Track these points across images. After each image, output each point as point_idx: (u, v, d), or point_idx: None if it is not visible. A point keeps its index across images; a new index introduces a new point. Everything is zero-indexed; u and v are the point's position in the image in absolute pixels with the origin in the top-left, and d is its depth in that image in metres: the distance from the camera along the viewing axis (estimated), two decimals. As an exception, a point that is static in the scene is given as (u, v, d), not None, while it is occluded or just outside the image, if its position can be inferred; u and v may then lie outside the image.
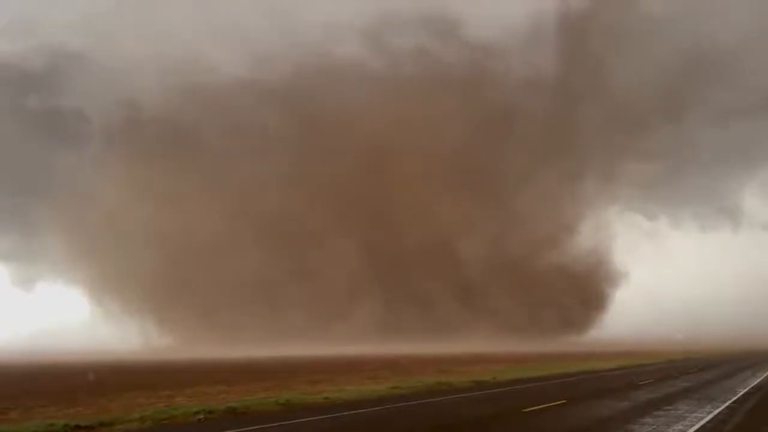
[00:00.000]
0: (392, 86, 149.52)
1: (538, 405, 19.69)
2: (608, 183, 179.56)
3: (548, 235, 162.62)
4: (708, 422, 15.76)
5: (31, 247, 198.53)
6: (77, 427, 16.08)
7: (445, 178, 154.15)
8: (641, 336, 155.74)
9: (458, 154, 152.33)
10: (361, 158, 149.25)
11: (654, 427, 15.04)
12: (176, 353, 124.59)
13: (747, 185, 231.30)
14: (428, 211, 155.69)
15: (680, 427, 15.03)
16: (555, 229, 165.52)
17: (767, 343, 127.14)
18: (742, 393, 23.47)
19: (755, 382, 29.25)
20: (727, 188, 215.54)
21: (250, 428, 15.80)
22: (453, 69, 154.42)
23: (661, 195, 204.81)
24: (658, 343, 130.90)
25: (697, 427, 15.01)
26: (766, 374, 35.64)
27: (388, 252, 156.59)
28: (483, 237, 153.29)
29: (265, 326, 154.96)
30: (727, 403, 19.81)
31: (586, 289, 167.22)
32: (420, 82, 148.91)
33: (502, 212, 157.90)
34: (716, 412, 17.75)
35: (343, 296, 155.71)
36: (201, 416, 18.22)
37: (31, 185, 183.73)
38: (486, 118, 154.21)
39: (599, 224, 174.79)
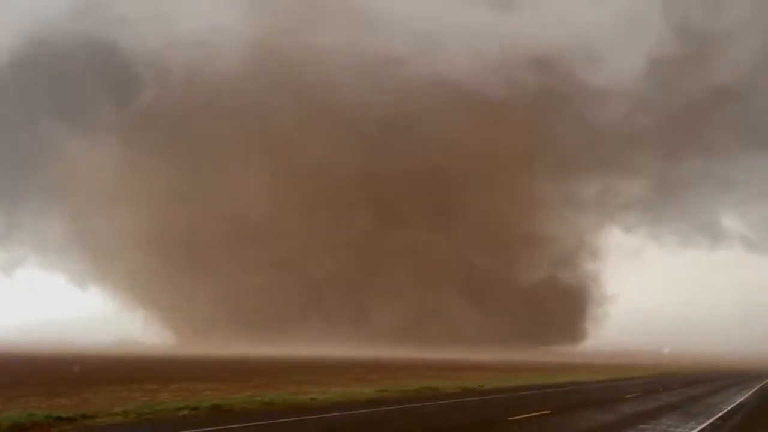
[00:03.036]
0: (485, 110, 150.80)
1: (524, 414, 19.65)
2: (599, 201, 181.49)
3: (548, 249, 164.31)
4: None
5: (15, 228, 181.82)
6: (59, 418, 15.94)
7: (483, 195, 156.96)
8: (628, 349, 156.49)
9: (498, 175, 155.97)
10: (428, 161, 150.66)
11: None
12: (179, 349, 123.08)
13: (725, 203, 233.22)
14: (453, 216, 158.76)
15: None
16: (559, 245, 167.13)
17: (752, 361, 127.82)
18: (726, 410, 23.49)
19: (740, 400, 29.30)
20: (706, 205, 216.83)
21: (233, 426, 15.74)
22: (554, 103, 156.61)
23: (642, 210, 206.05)
24: (645, 356, 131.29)
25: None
26: (750, 392, 35.72)
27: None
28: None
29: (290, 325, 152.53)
30: (711, 420, 19.82)
31: (575, 302, 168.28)
32: (512, 110, 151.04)
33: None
34: (700, 428, 17.76)
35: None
36: (185, 412, 18.12)
37: (20, 155, 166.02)
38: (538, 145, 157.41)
39: (588, 237, 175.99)
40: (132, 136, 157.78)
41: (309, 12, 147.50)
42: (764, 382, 48.94)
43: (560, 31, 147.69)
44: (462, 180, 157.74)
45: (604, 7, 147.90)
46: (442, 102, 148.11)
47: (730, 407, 24.75)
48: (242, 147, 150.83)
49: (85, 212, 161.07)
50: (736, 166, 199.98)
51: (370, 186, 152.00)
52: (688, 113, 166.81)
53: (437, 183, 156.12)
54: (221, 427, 15.51)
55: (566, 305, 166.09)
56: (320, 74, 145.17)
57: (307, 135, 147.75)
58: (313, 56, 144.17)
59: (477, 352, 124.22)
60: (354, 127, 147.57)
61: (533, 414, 19.87)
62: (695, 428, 17.64)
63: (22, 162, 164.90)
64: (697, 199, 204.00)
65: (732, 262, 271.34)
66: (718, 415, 21.35)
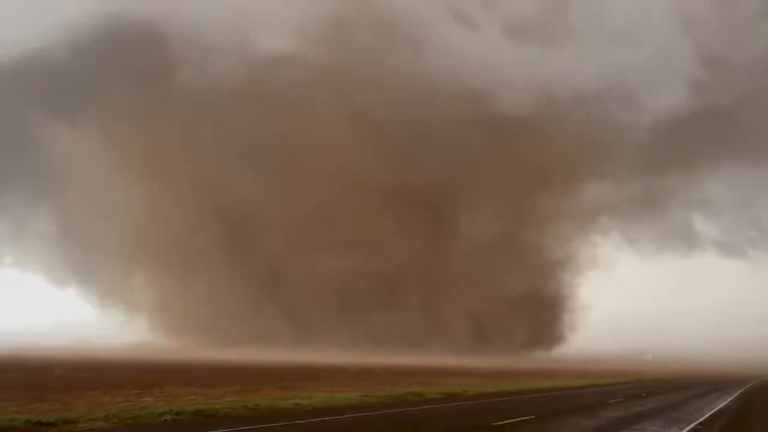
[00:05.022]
0: (516, 131, 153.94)
1: (508, 419, 19.72)
2: (582, 210, 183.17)
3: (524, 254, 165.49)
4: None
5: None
6: (39, 423, 15.77)
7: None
8: (611, 355, 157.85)
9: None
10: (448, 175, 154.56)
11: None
12: (172, 354, 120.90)
13: (698, 208, 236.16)
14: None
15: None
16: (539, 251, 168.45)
17: (731, 366, 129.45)
18: (708, 415, 23.76)
19: (722, 405, 29.65)
20: (681, 210, 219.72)
21: None
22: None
23: (617, 213, 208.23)
24: (628, 362, 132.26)
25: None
26: (732, 397, 36.15)
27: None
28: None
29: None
30: (693, 425, 20.02)
31: (557, 308, 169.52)
32: (535, 131, 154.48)
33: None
34: (682, 433, 17.93)
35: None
36: (167, 417, 18.00)
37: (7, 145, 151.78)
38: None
39: (570, 246, 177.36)
40: (147, 126, 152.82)
41: (372, 35, 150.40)
42: (743, 388, 49.50)
43: (593, 67, 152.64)
44: (477, 196, 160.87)
45: (636, 45, 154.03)
46: (472, 121, 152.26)
47: (712, 412, 25.03)
48: (277, 146, 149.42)
49: (85, 206, 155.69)
50: (712, 175, 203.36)
51: (395, 190, 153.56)
52: (676, 129, 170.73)
53: (456, 197, 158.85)
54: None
55: (548, 311, 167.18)
56: (368, 87, 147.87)
57: (348, 140, 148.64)
58: (366, 71, 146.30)
59: (463, 358, 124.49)
60: (397, 141, 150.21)
61: (517, 419, 19.95)
62: (677, 433, 17.80)
63: (10, 153, 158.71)
64: (673, 207, 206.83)
65: (707, 267, 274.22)
66: (701, 419, 21.59)
